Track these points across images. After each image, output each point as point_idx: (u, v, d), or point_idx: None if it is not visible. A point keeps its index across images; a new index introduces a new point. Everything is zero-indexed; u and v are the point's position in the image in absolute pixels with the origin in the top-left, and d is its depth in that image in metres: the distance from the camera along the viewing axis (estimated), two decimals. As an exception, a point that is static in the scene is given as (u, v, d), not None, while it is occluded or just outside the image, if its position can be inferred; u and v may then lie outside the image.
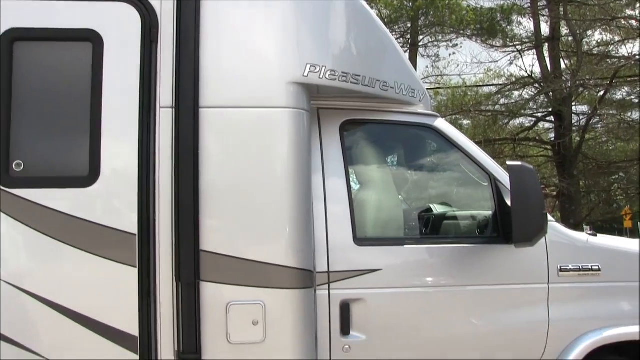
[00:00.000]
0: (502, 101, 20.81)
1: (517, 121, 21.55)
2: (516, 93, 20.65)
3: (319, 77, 3.30)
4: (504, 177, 3.69)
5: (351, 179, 3.61)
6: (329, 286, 3.36)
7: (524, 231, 3.34)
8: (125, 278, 3.01)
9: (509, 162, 3.47)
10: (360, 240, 3.47)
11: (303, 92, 3.27)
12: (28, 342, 2.99)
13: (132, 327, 3.00)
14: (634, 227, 22.00)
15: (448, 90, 21.67)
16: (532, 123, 21.50)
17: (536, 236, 3.37)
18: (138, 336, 3.00)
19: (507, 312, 3.63)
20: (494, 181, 3.72)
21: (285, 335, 3.10)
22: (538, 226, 3.34)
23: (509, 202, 3.53)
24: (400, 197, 4.12)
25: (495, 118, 20.33)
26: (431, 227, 4.09)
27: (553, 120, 20.40)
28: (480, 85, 22.14)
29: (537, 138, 22.04)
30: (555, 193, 20.63)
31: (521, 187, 3.33)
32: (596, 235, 3.96)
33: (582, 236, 3.89)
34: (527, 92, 20.53)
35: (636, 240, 4.13)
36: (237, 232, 3.10)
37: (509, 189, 3.41)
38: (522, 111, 20.50)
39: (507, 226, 3.51)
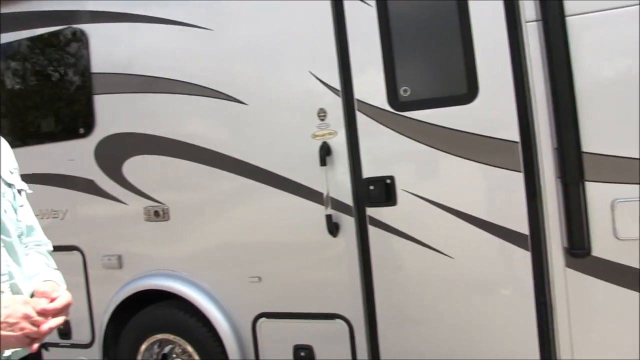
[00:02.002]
0: None
1: None
2: None
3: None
4: None
5: None
6: None
7: None
8: (511, 182, 3.29)
9: None
10: None
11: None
12: (431, 241, 3.47)
13: (522, 226, 3.29)
14: None
15: None
16: None
17: None
18: (528, 234, 3.29)
19: None
20: None
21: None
22: None
23: None
24: None
25: None
26: None
27: None
28: None
29: None
30: None
31: None
32: None
33: None
34: None
35: None
36: (616, 132, 3.15)
37: None
38: None
39: None
